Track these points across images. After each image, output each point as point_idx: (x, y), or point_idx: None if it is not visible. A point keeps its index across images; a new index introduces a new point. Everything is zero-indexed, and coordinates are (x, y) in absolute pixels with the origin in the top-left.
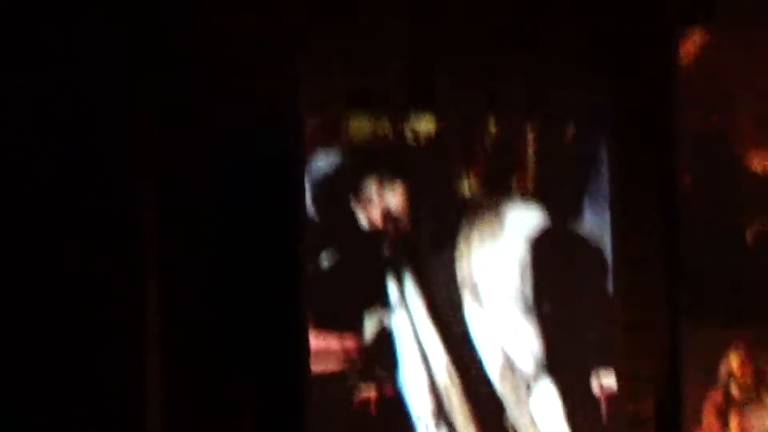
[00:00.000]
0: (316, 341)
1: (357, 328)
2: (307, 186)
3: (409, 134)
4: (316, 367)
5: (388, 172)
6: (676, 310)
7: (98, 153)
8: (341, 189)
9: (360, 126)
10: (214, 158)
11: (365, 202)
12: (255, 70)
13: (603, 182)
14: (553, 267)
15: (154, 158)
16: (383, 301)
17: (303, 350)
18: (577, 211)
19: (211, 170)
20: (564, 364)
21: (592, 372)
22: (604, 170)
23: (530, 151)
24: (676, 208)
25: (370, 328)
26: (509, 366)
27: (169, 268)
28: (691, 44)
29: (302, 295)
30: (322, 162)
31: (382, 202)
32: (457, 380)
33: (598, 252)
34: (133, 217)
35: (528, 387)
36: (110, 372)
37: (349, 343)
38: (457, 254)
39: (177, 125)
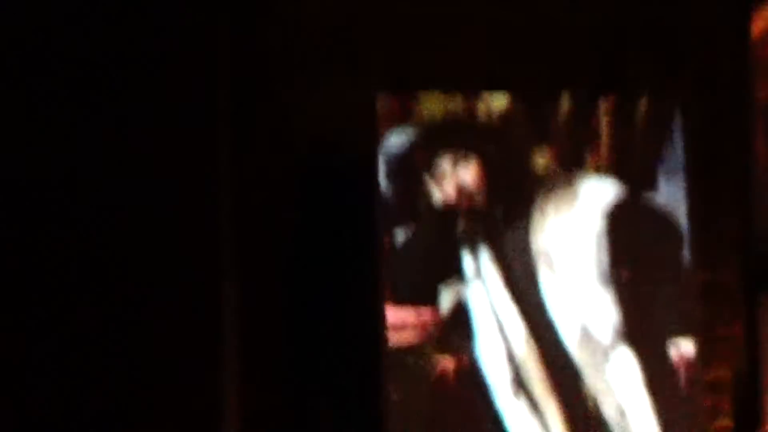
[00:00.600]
0: (393, 315)
1: (433, 301)
2: (382, 163)
3: (481, 111)
4: (394, 340)
5: (461, 148)
6: (752, 278)
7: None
8: (415, 165)
9: (432, 104)
10: (290, 141)
11: (439, 178)
12: (329, 52)
13: (677, 154)
14: (629, 237)
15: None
16: (459, 274)
17: (380, 324)
18: (652, 183)
19: (287, 153)
20: (641, 331)
21: (670, 339)
22: (679, 142)
23: (604, 124)
24: (750, 177)
25: (446, 300)
26: (586, 335)
27: (247, 247)
28: (764, 18)
29: (378, 270)
30: (396, 139)
31: (455, 177)
32: (534, 350)
33: (674, 222)
34: (209, 191)
35: (605, 355)
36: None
37: (426, 316)
38: (532, 226)
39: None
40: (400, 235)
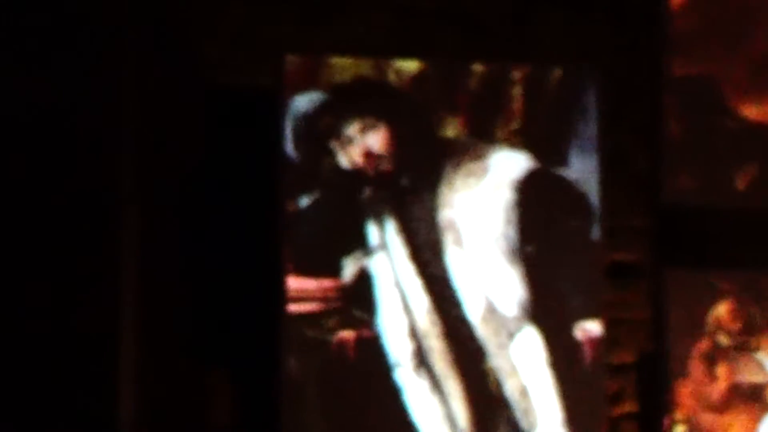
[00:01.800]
0: (294, 282)
1: (336, 270)
2: (287, 126)
3: (392, 75)
4: (293, 307)
5: (370, 113)
6: (660, 257)
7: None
8: (321, 130)
9: (341, 67)
10: (190, 96)
11: (346, 144)
12: (235, 8)
13: (590, 127)
14: (538, 210)
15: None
16: (363, 245)
17: (280, 290)
18: (563, 158)
19: (186, 110)
20: (547, 310)
21: (576, 318)
22: (591, 115)
23: (516, 95)
24: (662, 155)
25: (349, 270)
26: (491, 310)
27: (144, 203)
28: None
29: (280, 236)
30: (303, 103)
31: (363, 143)
32: (437, 323)
33: (584, 197)
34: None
35: (510, 332)
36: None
37: (327, 284)
38: (439, 197)
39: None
40: (304, 202)
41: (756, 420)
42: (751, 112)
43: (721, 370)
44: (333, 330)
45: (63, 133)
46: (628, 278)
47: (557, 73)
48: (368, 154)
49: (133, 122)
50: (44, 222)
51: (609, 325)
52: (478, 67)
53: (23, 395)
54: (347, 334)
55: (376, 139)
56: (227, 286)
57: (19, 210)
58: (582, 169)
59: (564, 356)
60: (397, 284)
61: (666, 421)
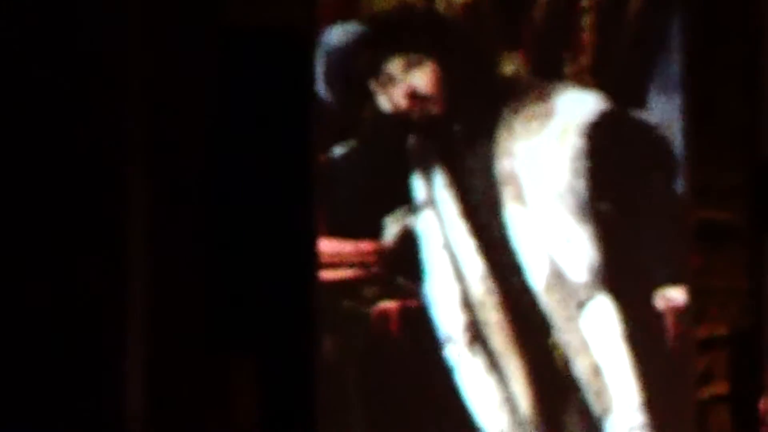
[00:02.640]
0: (328, 244)
1: (376, 233)
2: (319, 63)
3: (440, 4)
4: (327, 274)
5: (415, 46)
6: (760, 217)
7: None
8: (359, 67)
9: None
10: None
11: (387, 84)
12: None
13: (673, 65)
14: (612, 160)
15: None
16: (407, 201)
17: (311, 254)
18: (641, 98)
19: (210, 44)
20: (623, 277)
21: (657, 288)
22: (675, 50)
23: (586, 24)
24: (760, 101)
25: (391, 230)
26: (558, 276)
27: (155, 163)
28: None
29: (312, 191)
30: (337, 35)
31: (407, 83)
32: (494, 292)
33: (666, 144)
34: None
35: (579, 302)
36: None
37: (367, 247)
38: (497, 145)
39: None
40: (339, 153)
41: None
42: None
43: None
44: (373, 300)
45: (66, 85)
46: (719, 241)
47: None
48: (413, 96)
49: (140, 71)
50: (48, 199)
51: (697, 295)
52: None
53: (29, 389)
54: (390, 305)
55: (422, 78)
56: (249, 252)
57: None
58: (664, 113)
59: (643, 329)
60: (448, 246)
61: (763, 405)
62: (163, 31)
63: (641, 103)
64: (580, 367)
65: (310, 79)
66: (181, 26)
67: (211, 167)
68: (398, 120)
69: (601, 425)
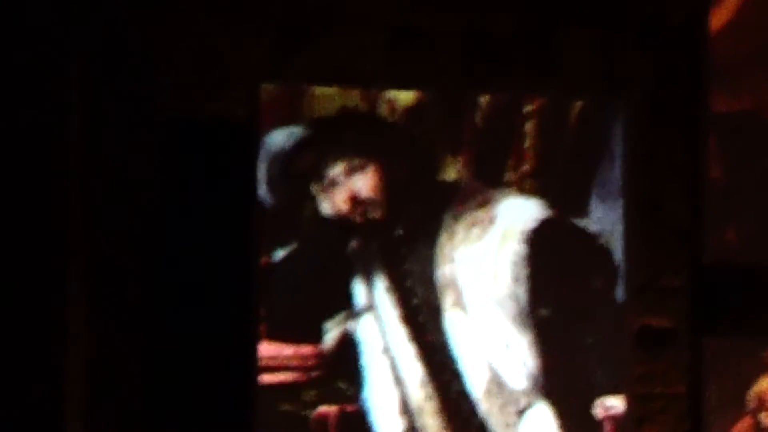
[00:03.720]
0: (267, 348)
1: (316, 337)
2: (262, 164)
3: (384, 107)
4: (267, 377)
5: (357, 150)
6: (698, 324)
7: None
8: (301, 170)
9: (326, 97)
10: (143, 130)
11: (329, 186)
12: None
13: (615, 170)
14: (553, 267)
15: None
16: (348, 304)
17: (251, 357)
18: (583, 205)
19: (139, 147)
20: (563, 385)
21: (597, 393)
22: (617, 155)
23: (529, 130)
24: (702, 204)
25: (331, 334)
26: (497, 383)
27: (98, 257)
28: (726, 8)
29: (253, 294)
30: (280, 137)
31: (349, 187)
32: (433, 399)
33: (607, 252)
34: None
35: (519, 409)
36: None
37: (306, 350)
38: (438, 250)
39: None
40: (280, 256)
41: None
42: None
43: None
44: (313, 404)
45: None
46: (659, 347)
47: (578, 105)
48: (355, 200)
49: (77, 161)
50: None
51: (636, 402)
52: (484, 98)
53: None
54: (329, 409)
55: (364, 182)
56: (189, 354)
57: None
58: (605, 219)
59: None
60: (387, 351)
61: None
62: (101, 119)
63: (583, 210)
64: None
65: (253, 181)
66: (119, 116)
67: (149, 267)
68: (339, 223)
69: None
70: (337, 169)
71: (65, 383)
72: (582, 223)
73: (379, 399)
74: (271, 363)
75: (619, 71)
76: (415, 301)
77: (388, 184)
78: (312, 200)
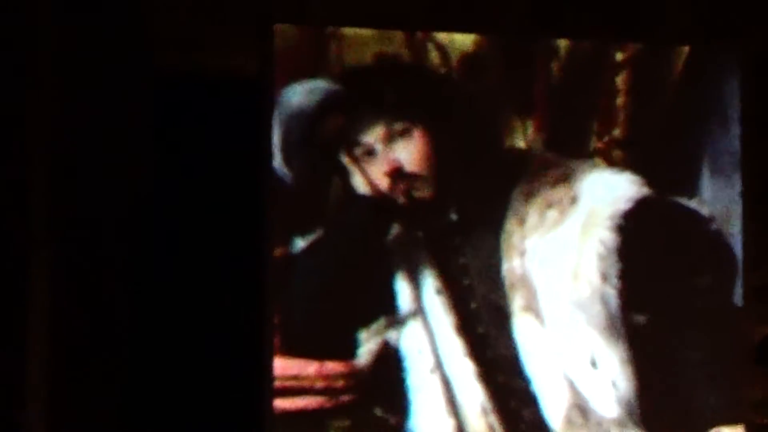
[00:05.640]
0: (284, 365)
1: (347, 352)
2: (276, 130)
3: (433, 55)
4: (283, 402)
5: (399, 111)
6: None
7: None
8: (328, 135)
9: (358, 42)
10: (133, 86)
11: (364, 156)
12: None
13: (730, 138)
14: (651, 261)
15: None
16: (388, 309)
17: (263, 377)
18: (690, 182)
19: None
20: (665, 410)
21: (709, 423)
22: (733, 119)
23: (620, 88)
24: None
25: (367, 347)
26: (581, 411)
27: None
28: None
29: (265, 295)
30: (300, 94)
31: (390, 155)
32: (499, 429)
33: (721, 241)
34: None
35: None
36: None
37: (334, 368)
38: (504, 239)
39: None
40: (300, 246)
41: None
42: None
43: None
44: None
45: None
46: None
47: (683, 53)
48: (397, 174)
49: (47, 128)
50: None
51: None
52: (563, 44)
53: None
54: None
55: (408, 151)
56: (181, 373)
57: None
58: (719, 200)
59: None
60: (439, 369)
61: None
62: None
63: (689, 187)
64: None
65: (267, 150)
66: (102, 74)
67: (134, 259)
68: (377, 205)
69: None
70: (373, 135)
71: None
72: (689, 204)
73: (429, 430)
74: (288, 384)
75: (729, 14)
76: (475, 304)
77: (438, 154)
78: (341, 175)
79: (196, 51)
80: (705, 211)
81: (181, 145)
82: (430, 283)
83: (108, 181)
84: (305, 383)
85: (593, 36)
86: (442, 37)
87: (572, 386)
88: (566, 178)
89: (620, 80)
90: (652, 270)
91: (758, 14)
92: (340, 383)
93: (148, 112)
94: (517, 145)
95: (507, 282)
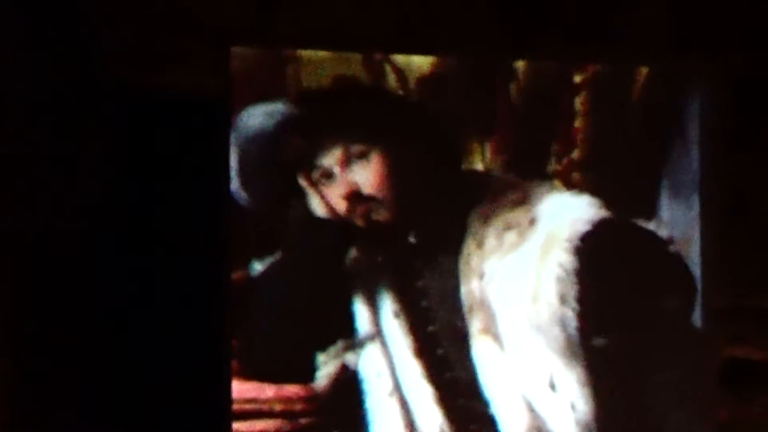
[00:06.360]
0: (242, 388)
1: (305, 376)
2: (234, 156)
3: (391, 77)
4: (242, 426)
5: (357, 133)
6: None
7: None
8: (286, 158)
9: (317, 64)
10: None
11: (323, 179)
12: None
13: (691, 158)
14: (611, 283)
15: None
16: (346, 332)
17: (221, 401)
18: (649, 203)
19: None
20: (625, 431)
21: None
22: (693, 140)
23: (578, 109)
24: None
25: (325, 370)
26: None
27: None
28: None
29: (223, 319)
30: (258, 120)
31: (348, 178)
32: None
33: (681, 263)
34: None
35: None
36: None
37: (293, 391)
38: (463, 262)
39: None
40: (258, 269)
41: None
42: None
43: None
44: None
45: None
46: (750, 386)
47: (643, 74)
48: (355, 196)
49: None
50: None
51: None
52: (521, 66)
53: None
54: None
55: (366, 174)
56: (137, 396)
57: None
58: (678, 222)
59: None
60: (398, 392)
61: None
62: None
63: (649, 209)
64: None
65: (224, 173)
66: (52, 92)
67: (85, 287)
68: (336, 228)
69: None
70: (331, 158)
71: None
72: (648, 226)
73: None
74: (247, 407)
75: (696, 30)
76: (433, 327)
77: (397, 176)
78: (300, 198)
79: (152, 71)
80: (664, 232)
81: (136, 167)
82: (388, 305)
83: (57, 203)
84: (264, 406)
85: (552, 56)
86: (400, 59)
87: (531, 409)
88: (525, 200)
89: (579, 102)
90: (611, 292)
91: (719, 33)
92: (298, 406)
93: (104, 132)
94: (475, 167)
95: (466, 305)
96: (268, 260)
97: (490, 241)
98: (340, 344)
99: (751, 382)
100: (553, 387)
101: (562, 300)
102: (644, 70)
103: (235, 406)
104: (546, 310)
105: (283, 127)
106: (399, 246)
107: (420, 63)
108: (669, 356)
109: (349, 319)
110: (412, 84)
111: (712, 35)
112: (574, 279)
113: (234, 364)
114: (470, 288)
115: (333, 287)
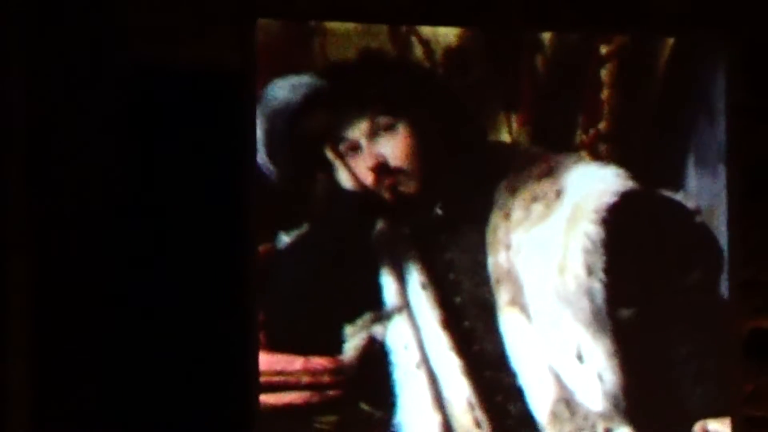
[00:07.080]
0: (269, 360)
1: (333, 347)
2: (260, 128)
3: (418, 50)
4: (268, 398)
5: (384, 106)
6: None
7: None
8: (312, 131)
9: (342, 37)
10: (107, 81)
11: (348, 152)
12: None
13: (717, 130)
14: (637, 254)
15: None
16: (374, 304)
17: (248, 374)
18: (676, 175)
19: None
20: (651, 403)
21: (696, 416)
22: (719, 113)
23: (605, 78)
24: None
25: (352, 343)
26: (567, 405)
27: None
28: None
29: (249, 291)
30: (283, 90)
31: (374, 150)
32: (484, 425)
33: (707, 235)
34: None
35: None
36: None
37: (320, 363)
38: (489, 234)
39: None
40: (284, 242)
41: None
42: None
43: None
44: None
45: None
46: None
47: (667, 45)
48: (381, 169)
49: (21, 117)
50: None
51: (746, 427)
52: (547, 38)
53: None
54: None
55: (393, 147)
56: (163, 371)
57: None
58: (705, 193)
59: None
60: (425, 364)
61: None
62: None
63: (675, 180)
64: None
65: (250, 146)
66: (73, 66)
67: (112, 259)
68: (362, 200)
69: None
70: (357, 131)
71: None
72: (674, 197)
73: (415, 426)
74: (274, 380)
75: (722, 1)
76: (460, 299)
77: (423, 148)
78: (326, 170)
79: (177, 45)
80: (691, 203)
81: (161, 142)
82: (415, 278)
83: (85, 180)
84: (291, 379)
85: (578, 28)
86: (426, 31)
87: (558, 380)
88: (551, 172)
89: (605, 73)
90: (637, 263)
91: (746, 5)
92: (326, 378)
93: (128, 107)
94: (502, 140)
95: (493, 276)
96: (295, 233)
97: (517, 212)
98: (367, 316)
99: None
100: (580, 358)
101: (589, 271)
102: (670, 42)
103: (263, 379)
104: (573, 281)
105: (310, 100)
106: (426, 218)
107: (446, 35)
108: (695, 327)
109: (376, 291)
110: (438, 56)
111: (738, 7)
112: (601, 250)
113: (261, 336)
114: (497, 260)
115: (360, 259)
